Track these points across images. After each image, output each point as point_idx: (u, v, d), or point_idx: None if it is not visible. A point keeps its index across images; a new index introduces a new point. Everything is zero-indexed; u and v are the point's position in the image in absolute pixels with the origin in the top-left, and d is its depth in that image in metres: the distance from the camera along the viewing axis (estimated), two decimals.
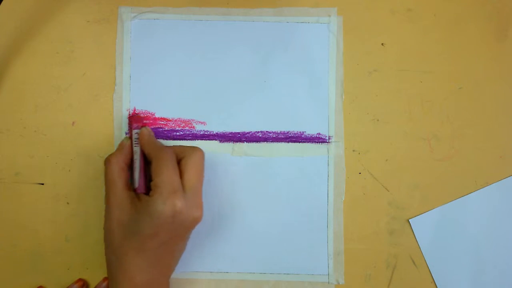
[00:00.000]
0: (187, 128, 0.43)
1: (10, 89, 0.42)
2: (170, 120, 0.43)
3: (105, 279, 0.41)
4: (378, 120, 0.43)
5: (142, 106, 0.43)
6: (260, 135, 0.43)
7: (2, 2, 0.41)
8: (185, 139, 0.43)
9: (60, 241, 0.42)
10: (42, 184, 0.42)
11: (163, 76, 0.43)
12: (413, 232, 0.42)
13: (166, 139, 0.42)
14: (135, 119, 0.42)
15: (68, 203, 0.42)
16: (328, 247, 0.42)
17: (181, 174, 0.37)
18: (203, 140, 0.43)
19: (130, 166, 0.40)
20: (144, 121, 0.42)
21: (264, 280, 0.42)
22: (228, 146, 0.43)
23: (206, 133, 0.43)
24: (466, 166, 0.43)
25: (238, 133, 0.43)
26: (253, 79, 0.43)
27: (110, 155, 0.39)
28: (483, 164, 0.43)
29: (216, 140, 0.43)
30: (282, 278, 0.42)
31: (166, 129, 0.43)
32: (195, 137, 0.43)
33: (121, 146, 0.40)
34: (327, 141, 0.43)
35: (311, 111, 0.43)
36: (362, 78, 0.43)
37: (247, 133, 0.43)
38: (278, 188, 0.42)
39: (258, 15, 0.43)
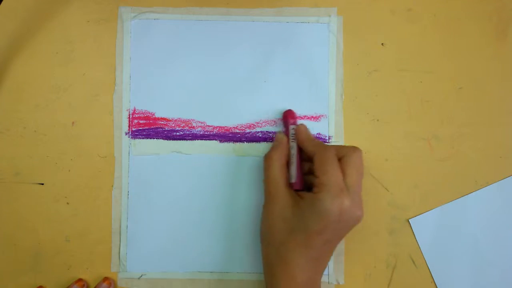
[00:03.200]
0: (187, 128, 0.43)
1: (10, 89, 0.43)
2: (170, 120, 0.43)
3: (105, 279, 0.41)
4: (378, 120, 0.43)
5: (142, 106, 0.43)
6: (260, 135, 0.43)
7: (2, 2, 0.41)
8: (185, 139, 0.43)
9: (60, 241, 0.42)
10: (42, 184, 0.42)
11: (163, 76, 0.43)
12: (413, 232, 0.42)
13: (166, 139, 0.42)
14: (290, 115, 0.41)
15: (68, 203, 0.42)
16: None
17: (342, 173, 0.37)
18: (203, 140, 0.43)
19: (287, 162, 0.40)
20: (297, 117, 0.42)
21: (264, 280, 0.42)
22: (228, 146, 0.43)
23: (206, 133, 0.43)
24: (466, 166, 0.43)
25: (238, 133, 0.43)
26: (253, 79, 0.43)
27: (271, 152, 0.40)
28: (483, 164, 0.43)
29: (216, 140, 0.43)
30: None
31: (166, 129, 0.43)
32: (195, 137, 0.43)
33: (278, 142, 0.40)
34: (327, 141, 0.43)
35: (311, 111, 0.43)
36: (362, 78, 0.43)
37: (247, 133, 0.43)
38: None
39: (258, 15, 0.43)
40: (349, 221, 0.36)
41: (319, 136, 0.43)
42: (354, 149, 0.38)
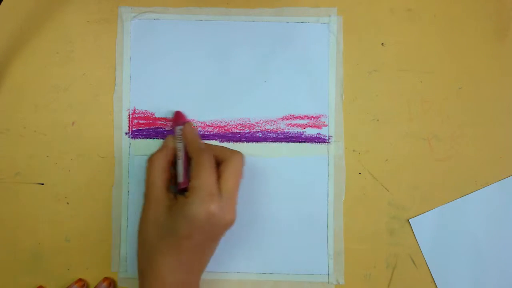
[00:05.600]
0: None
1: (10, 89, 0.43)
2: (170, 120, 0.43)
3: (105, 279, 0.41)
4: (378, 120, 0.43)
5: (142, 106, 0.43)
6: (260, 135, 0.43)
7: (2, 2, 0.41)
8: None
9: (60, 241, 0.42)
10: (42, 184, 0.42)
11: (163, 76, 0.43)
12: (413, 232, 0.42)
13: None
14: (177, 117, 0.42)
15: (68, 203, 0.42)
16: (328, 247, 0.42)
17: (219, 178, 0.37)
18: (203, 140, 0.43)
19: (174, 163, 0.40)
20: (184, 118, 0.42)
21: (264, 280, 0.42)
22: (228, 146, 0.43)
23: (206, 133, 0.43)
24: (466, 166, 0.43)
25: (238, 133, 0.43)
26: (253, 79, 0.43)
27: (153, 154, 0.39)
28: (483, 164, 0.43)
29: (216, 140, 0.43)
30: (282, 278, 0.42)
31: (166, 129, 0.43)
32: None
33: (164, 144, 0.40)
34: (327, 141, 0.43)
35: (311, 111, 0.43)
36: (362, 78, 0.43)
37: (247, 133, 0.43)
38: (278, 188, 0.42)
39: (258, 15, 0.43)
40: (218, 225, 0.36)
41: (319, 136, 0.43)
42: (235, 153, 0.38)
